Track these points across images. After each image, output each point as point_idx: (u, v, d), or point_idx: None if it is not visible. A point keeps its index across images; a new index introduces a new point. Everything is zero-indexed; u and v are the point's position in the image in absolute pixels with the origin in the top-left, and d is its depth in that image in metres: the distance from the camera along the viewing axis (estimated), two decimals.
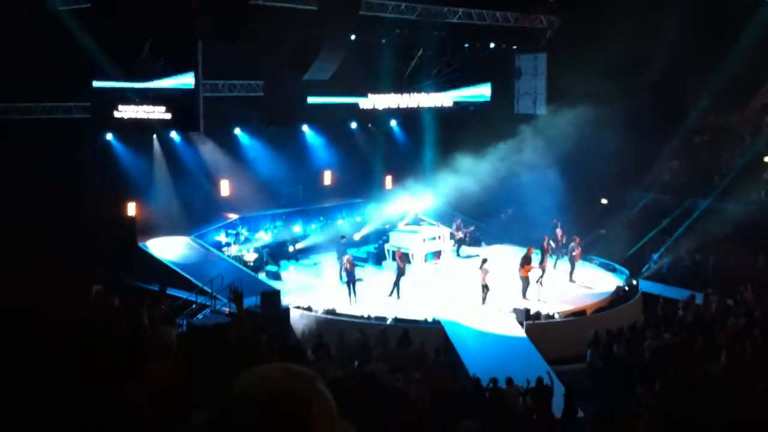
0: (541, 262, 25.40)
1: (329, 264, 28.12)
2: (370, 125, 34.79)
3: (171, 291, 24.64)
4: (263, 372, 1.55)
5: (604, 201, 32.45)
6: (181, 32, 24.87)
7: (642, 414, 10.63)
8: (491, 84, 35.26)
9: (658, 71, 27.58)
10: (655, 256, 28.65)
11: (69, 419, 3.01)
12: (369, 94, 31.85)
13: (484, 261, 24.27)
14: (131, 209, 28.14)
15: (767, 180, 29.87)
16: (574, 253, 26.66)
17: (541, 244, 25.93)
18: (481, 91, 35.26)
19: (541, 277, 25.25)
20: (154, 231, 28.02)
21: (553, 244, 27.52)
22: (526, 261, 24.55)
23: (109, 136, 28.94)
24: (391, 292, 24.41)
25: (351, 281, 24.44)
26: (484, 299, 23.75)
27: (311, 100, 29.66)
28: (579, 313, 23.71)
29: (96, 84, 27.27)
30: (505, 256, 28.31)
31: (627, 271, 27.52)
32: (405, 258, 25.05)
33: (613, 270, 28.21)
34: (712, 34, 27.78)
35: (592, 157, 28.21)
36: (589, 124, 27.37)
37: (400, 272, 24.43)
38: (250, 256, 28.46)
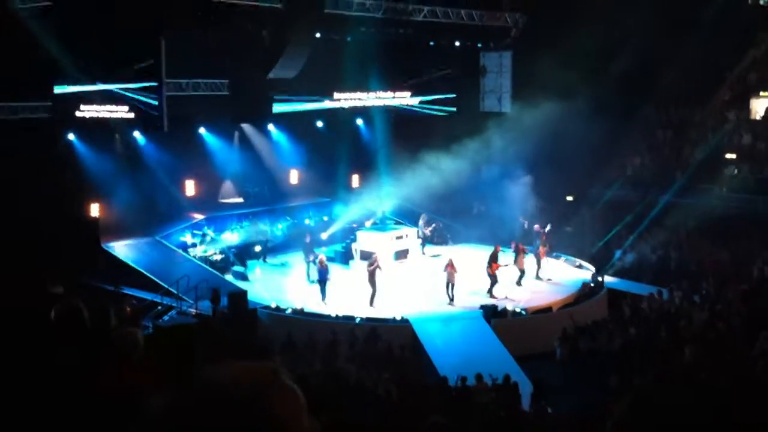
0: (517, 262, 25.49)
1: (296, 264, 27.98)
2: (336, 124, 34.69)
3: (136, 292, 24.41)
4: (225, 366, 1.52)
5: (569, 197, 32.69)
6: (145, 28, 24.64)
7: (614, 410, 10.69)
8: (457, 83, 35.39)
9: (623, 68, 27.85)
10: (618, 253, 28.91)
11: (33, 421, 2.94)
12: (335, 93, 31.77)
13: (451, 260, 24.30)
14: (94, 210, 27.71)
15: (729, 175, 30.26)
16: (539, 250, 26.80)
17: (515, 245, 26.04)
18: (447, 90, 35.38)
19: (521, 277, 25.45)
20: (118, 232, 27.62)
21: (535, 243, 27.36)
22: (493, 259, 24.63)
23: (72, 136, 28.54)
24: (372, 302, 23.86)
25: (323, 280, 24.21)
26: (451, 298, 23.78)
27: (278, 108, 29.48)
28: (545, 310, 23.86)
29: (57, 89, 26.97)
30: (472, 254, 28.40)
31: (593, 268, 27.74)
32: (374, 272, 24.20)
33: (579, 266, 28.42)
34: (678, 29, 28.13)
35: (557, 154, 28.42)
36: (554, 122, 27.57)
37: (374, 289, 24.03)
38: (217, 257, 28.23)
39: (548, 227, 27.36)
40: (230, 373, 1.49)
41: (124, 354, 4.10)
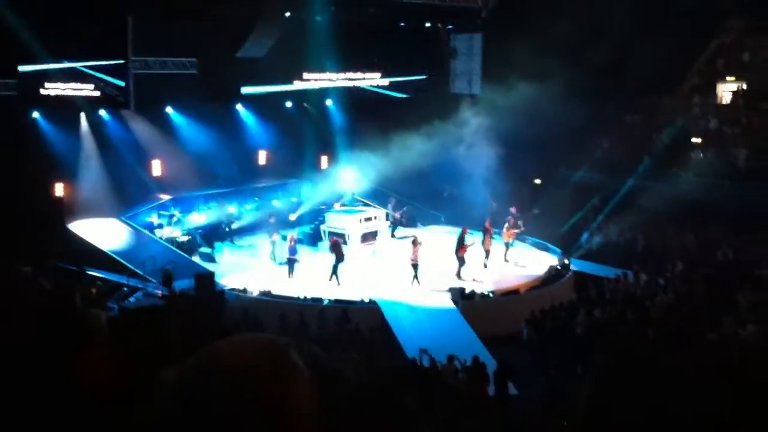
0: (484, 243, 25.60)
1: (263, 245, 27.87)
2: (305, 104, 34.49)
3: (101, 273, 24.14)
4: (233, 341, 1.50)
5: (537, 180, 32.84)
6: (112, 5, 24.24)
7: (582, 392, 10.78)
8: (427, 64, 35.33)
9: (592, 51, 27.94)
10: (585, 236, 29.13)
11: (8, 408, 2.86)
12: (304, 73, 31.56)
13: (415, 239, 24.37)
14: (59, 190, 27.31)
15: (695, 159, 30.56)
16: (505, 233, 26.92)
17: (483, 225, 26.11)
18: (417, 72, 35.32)
19: (486, 257, 25.56)
20: (82, 212, 27.24)
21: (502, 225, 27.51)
22: (461, 241, 24.70)
23: (36, 114, 28.02)
24: (331, 278, 24.09)
25: (292, 259, 24.32)
26: (415, 277, 23.81)
27: (246, 90, 29.26)
28: (513, 292, 24.00)
29: (22, 69, 26.44)
30: (440, 236, 28.46)
31: (559, 251, 27.94)
32: (339, 245, 24.60)
33: (545, 249, 28.60)
34: (649, 14, 28.23)
35: (527, 137, 28.48)
36: (524, 105, 27.58)
37: (339, 260, 24.14)
38: (183, 238, 27.99)
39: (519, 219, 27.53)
40: (242, 351, 1.47)
41: (89, 336, 4.00)
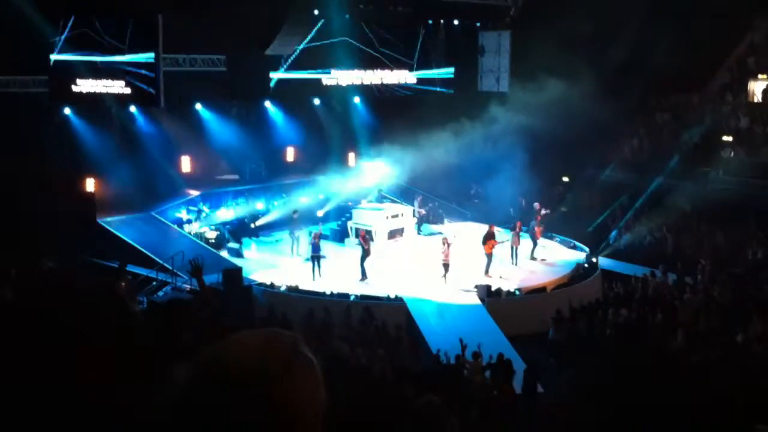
0: (512, 240, 25.67)
1: (289, 241, 28.00)
2: (332, 101, 34.59)
3: (131, 268, 24.44)
4: (243, 336, 1.52)
5: (565, 178, 32.70)
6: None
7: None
8: (455, 62, 35.29)
9: (621, 49, 27.77)
10: (613, 234, 28.98)
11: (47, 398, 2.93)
12: (332, 70, 31.67)
13: (446, 239, 24.34)
14: (90, 185, 27.66)
15: (725, 158, 30.24)
16: (536, 230, 26.85)
17: (513, 224, 26.20)
18: (446, 70, 35.32)
19: (515, 256, 25.62)
20: (113, 207, 27.55)
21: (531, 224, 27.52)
22: (488, 237, 24.68)
23: (68, 111, 28.39)
24: (363, 276, 24.18)
25: (316, 256, 24.40)
26: (444, 277, 23.83)
27: (275, 75, 29.40)
28: (540, 290, 23.93)
29: (54, 57, 26.77)
30: (468, 233, 28.44)
31: (587, 249, 27.81)
32: (368, 238, 24.89)
33: (573, 247, 28.48)
34: (678, 11, 27.98)
35: (553, 135, 28.36)
36: (552, 103, 27.47)
37: (365, 253, 24.27)
38: (211, 234, 28.22)
39: (545, 211, 27.44)
40: (253, 346, 1.49)
41: (126, 328, 4.07)
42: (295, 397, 1.45)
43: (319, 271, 24.39)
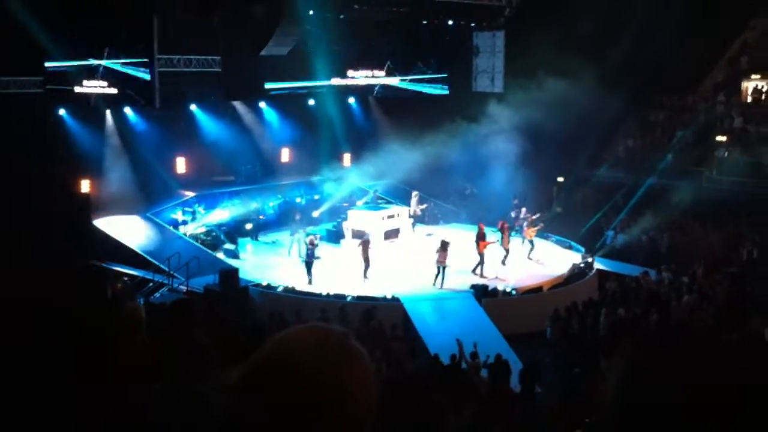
0: (502, 242, 25.52)
1: (287, 242, 27.98)
2: (327, 102, 34.55)
3: (127, 269, 24.41)
4: (292, 332, 1.53)
5: (560, 179, 32.76)
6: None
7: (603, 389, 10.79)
8: (449, 62, 35.34)
9: (615, 49, 27.84)
10: (609, 234, 29.03)
11: (48, 401, 2.94)
12: (327, 71, 31.68)
13: (445, 243, 24.12)
14: (85, 186, 27.59)
15: (719, 158, 30.35)
16: (526, 231, 26.84)
17: (501, 224, 26.08)
18: (439, 69, 35.38)
19: (505, 257, 25.49)
20: (108, 208, 27.53)
21: (520, 222, 27.53)
22: (480, 237, 24.66)
23: (62, 112, 28.31)
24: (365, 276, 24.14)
25: (310, 261, 24.27)
26: (441, 280, 23.76)
27: (270, 85, 29.41)
28: (536, 290, 23.96)
29: (49, 65, 26.79)
30: (462, 234, 28.44)
31: (583, 249, 27.85)
32: (367, 249, 24.43)
33: (569, 247, 28.52)
34: (672, 11, 28.07)
35: (548, 135, 28.41)
36: (546, 102, 27.54)
37: (367, 264, 24.16)
38: (207, 235, 28.18)
39: (533, 216, 27.42)
40: (303, 340, 1.49)
41: (130, 329, 4.10)
42: (351, 392, 1.45)
43: (311, 276, 24.20)
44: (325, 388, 1.43)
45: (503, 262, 25.45)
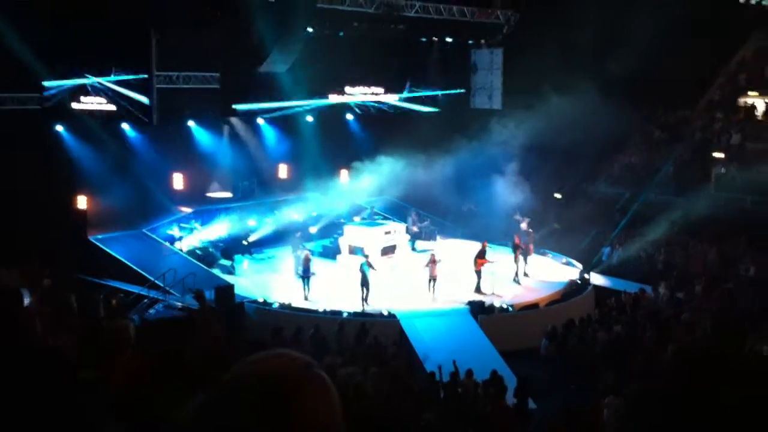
0: (515, 258, 25.80)
1: (284, 258, 27.93)
2: (325, 120, 34.61)
3: (123, 285, 24.34)
4: (257, 358, 1.53)
5: (557, 195, 32.77)
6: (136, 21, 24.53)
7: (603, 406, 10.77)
8: (448, 80, 35.47)
9: (613, 66, 27.92)
10: (605, 250, 29.00)
11: (33, 417, 2.91)
12: (325, 88, 31.77)
13: (432, 255, 24.36)
14: (82, 202, 27.56)
15: (717, 174, 30.37)
16: (528, 247, 26.86)
17: (512, 242, 26.30)
18: (438, 87, 35.50)
19: (516, 273, 25.66)
20: (105, 225, 27.48)
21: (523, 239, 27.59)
22: (480, 255, 24.71)
23: (60, 128, 28.32)
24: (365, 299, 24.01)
25: (306, 276, 24.28)
26: (432, 291, 23.86)
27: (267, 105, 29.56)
28: (532, 307, 23.93)
29: (47, 84, 26.85)
30: (460, 251, 28.43)
31: (580, 265, 27.83)
32: (365, 273, 24.36)
33: (566, 263, 28.50)
34: (670, 28, 28.20)
35: (546, 151, 28.48)
36: (544, 119, 27.60)
37: (366, 289, 23.96)
38: (202, 251, 28.13)
39: (528, 228, 27.60)
40: (265, 367, 1.50)
41: (119, 347, 4.07)
42: (308, 416, 1.45)
43: (308, 291, 24.22)
44: (282, 415, 1.43)
45: (516, 281, 25.63)
